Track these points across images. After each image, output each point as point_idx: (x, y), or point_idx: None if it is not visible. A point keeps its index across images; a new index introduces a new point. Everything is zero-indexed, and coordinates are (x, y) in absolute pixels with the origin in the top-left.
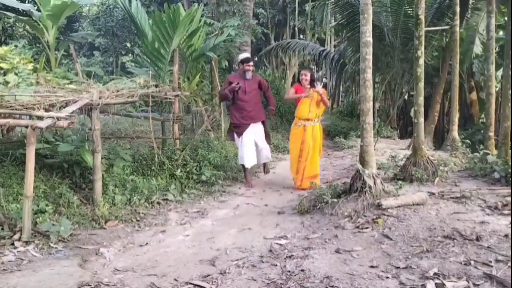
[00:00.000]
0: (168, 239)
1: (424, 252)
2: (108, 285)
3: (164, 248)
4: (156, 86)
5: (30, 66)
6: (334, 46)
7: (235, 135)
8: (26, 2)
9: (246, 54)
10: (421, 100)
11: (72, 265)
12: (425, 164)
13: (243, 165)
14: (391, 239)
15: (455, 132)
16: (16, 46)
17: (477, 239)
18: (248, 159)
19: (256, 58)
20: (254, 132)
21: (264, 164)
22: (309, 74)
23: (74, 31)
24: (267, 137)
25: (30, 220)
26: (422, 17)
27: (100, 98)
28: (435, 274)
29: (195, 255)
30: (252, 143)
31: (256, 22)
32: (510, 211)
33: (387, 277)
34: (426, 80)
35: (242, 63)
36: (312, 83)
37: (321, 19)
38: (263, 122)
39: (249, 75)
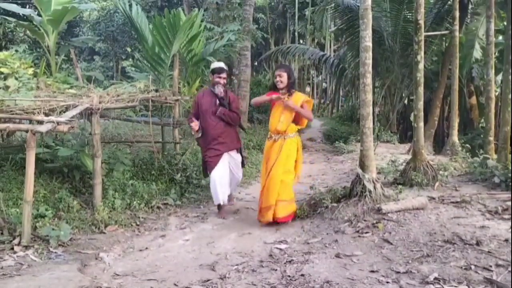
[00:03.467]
0: (168, 243)
1: (424, 257)
2: None
3: (164, 253)
4: (156, 90)
5: (31, 70)
6: (334, 51)
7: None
8: (27, 7)
9: (219, 63)
10: (420, 104)
11: (72, 270)
12: (425, 169)
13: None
14: (391, 243)
15: (455, 137)
16: (16, 51)
17: (478, 243)
18: (223, 195)
19: (256, 63)
20: (229, 163)
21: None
22: (285, 75)
23: (75, 36)
24: (242, 165)
25: (29, 224)
26: (421, 22)
27: (100, 102)
28: (435, 279)
29: (195, 259)
30: (226, 176)
31: (256, 27)
32: (510, 216)
33: (388, 282)
34: (426, 85)
35: (213, 73)
36: (290, 87)
37: (321, 24)
38: (238, 150)
39: (218, 89)
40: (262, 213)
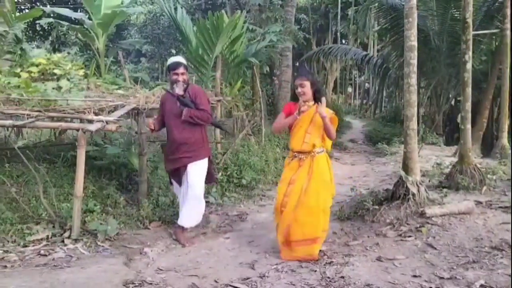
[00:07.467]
0: (209, 241)
1: (470, 263)
2: (151, 284)
3: (205, 250)
4: None
5: (81, 72)
6: (377, 51)
7: (174, 183)
8: (79, 11)
9: (175, 58)
10: (468, 105)
11: (118, 263)
12: (472, 172)
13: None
14: (435, 248)
15: (504, 139)
16: (68, 53)
17: None
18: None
19: (297, 64)
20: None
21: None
22: (307, 84)
23: (123, 38)
24: (212, 179)
25: (79, 219)
26: (469, 20)
27: (146, 103)
28: (481, 286)
29: (235, 257)
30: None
31: (298, 28)
32: None
33: None
34: (474, 85)
35: (169, 70)
36: (315, 96)
37: (364, 24)
38: (208, 160)
39: (179, 88)
40: (294, 247)
